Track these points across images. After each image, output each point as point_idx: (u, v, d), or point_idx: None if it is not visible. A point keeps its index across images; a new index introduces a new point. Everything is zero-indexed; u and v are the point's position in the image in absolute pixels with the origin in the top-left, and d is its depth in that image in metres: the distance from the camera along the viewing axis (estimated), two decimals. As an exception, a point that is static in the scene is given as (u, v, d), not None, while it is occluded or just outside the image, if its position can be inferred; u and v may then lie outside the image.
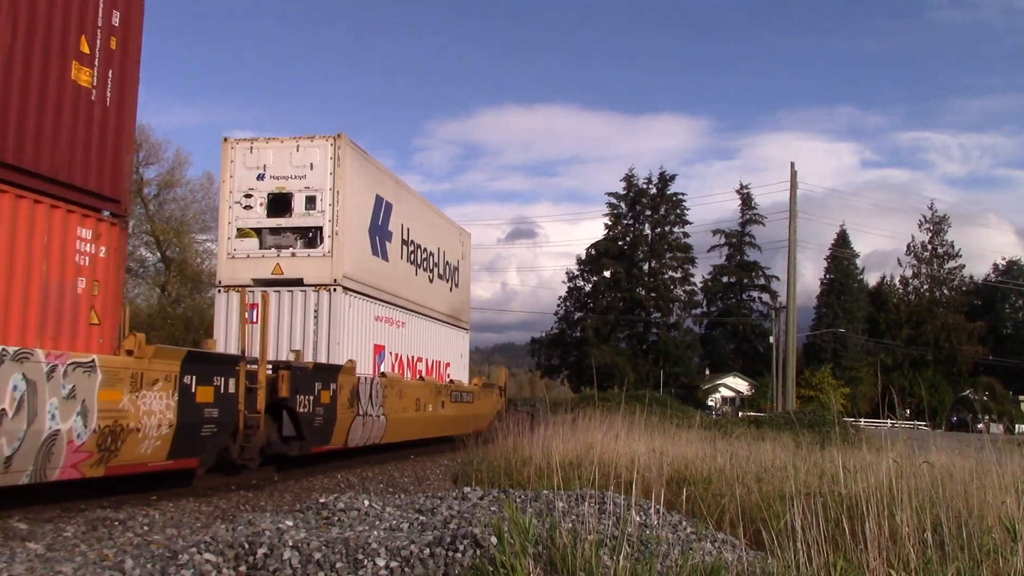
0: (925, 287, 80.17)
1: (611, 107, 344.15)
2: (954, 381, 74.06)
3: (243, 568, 5.53)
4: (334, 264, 15.46)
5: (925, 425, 43.08)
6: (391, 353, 18.30)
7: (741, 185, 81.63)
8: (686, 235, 72.30)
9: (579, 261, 73.54)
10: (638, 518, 6.44)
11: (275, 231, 15.81)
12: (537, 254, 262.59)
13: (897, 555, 5.22)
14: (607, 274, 71.20)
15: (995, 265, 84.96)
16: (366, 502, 7.67)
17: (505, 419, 25.94)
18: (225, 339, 15.25)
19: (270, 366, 12.63)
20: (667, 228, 71.93)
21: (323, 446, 13.85)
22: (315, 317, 15.40)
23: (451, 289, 23.55)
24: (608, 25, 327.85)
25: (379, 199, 17.62)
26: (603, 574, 4.82)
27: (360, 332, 16.53)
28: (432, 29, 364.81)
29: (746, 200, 76.85)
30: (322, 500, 7.77)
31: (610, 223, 72.38)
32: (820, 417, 27.48)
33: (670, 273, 71.78)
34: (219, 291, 15.75)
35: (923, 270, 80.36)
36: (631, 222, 72.71)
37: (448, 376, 22.46)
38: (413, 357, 19.84)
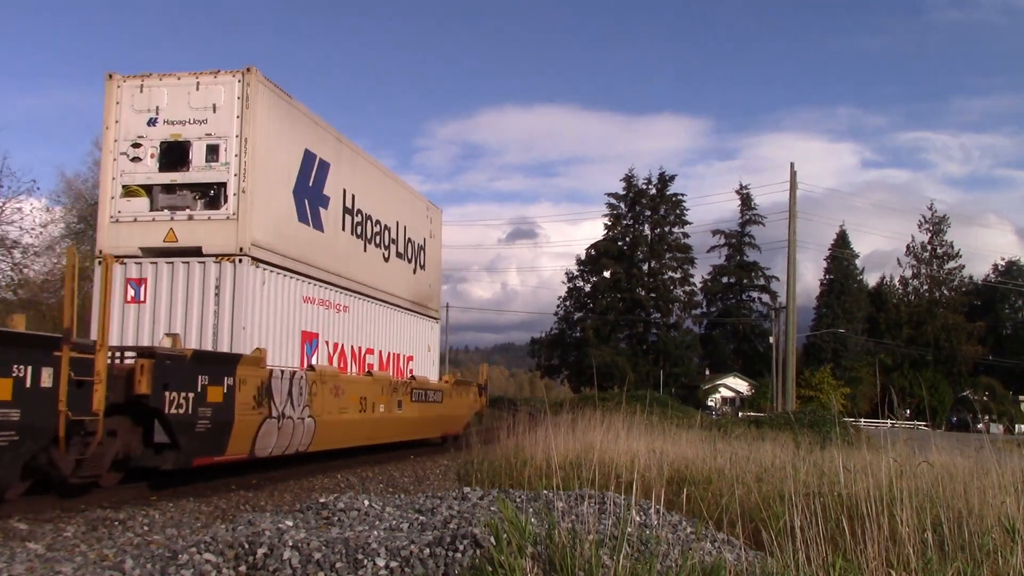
0: (925, 287, 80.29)
1: (611, 107, 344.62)
2: (954, 381, 74.17)
3: (243, 568, 5.53)
4: (240, 229, 12.69)
5: (925, 425, 43.08)
6: (327, 343, 15.41)
7: (741, 185, 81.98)
8: (686, 235, 72.48)
9: (579, 261, 73.71)
10: (638, 518, 6.45)
11: (169, 189, 13.03)
12: (537, 254, 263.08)
13: (897, 555, 5.22)
14: (607, 274, 71.27)
15: (995, 265, 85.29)
16: (366, 502, 7.67)
17: (486, 421, 24.26)
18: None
19: (131, 354, 10.25)
20: (667, 228, 72.01)
21: (214, 456, 11.08)
22: (216, 295, 12.65)
23: (415, 271, 20.46)
24: (608, 25, 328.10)
25: (310, 155, 14.76)
26: (603, 574, 4.81)
27: (279, 315, 13.74)
28: (432, 29, 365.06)
29: (746, 200, 77.03)
30: (322, 500, 7.77)
31: (610, 223, 72.49)
32: (820, 417, 27.51)
33: (670, 273, 71.88)
34: (99, 263, 12.25)
35: (923, 270, 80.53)
36: (631, 222, 72.79)
37: (410, 372, 19.63)
38: (360, 348, 16.88)
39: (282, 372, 12.62)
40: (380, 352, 17.97)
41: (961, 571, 5.04)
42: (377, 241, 17.93)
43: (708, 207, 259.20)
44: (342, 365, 15.89)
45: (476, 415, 23.76)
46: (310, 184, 14.85)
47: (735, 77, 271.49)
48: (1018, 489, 6.75)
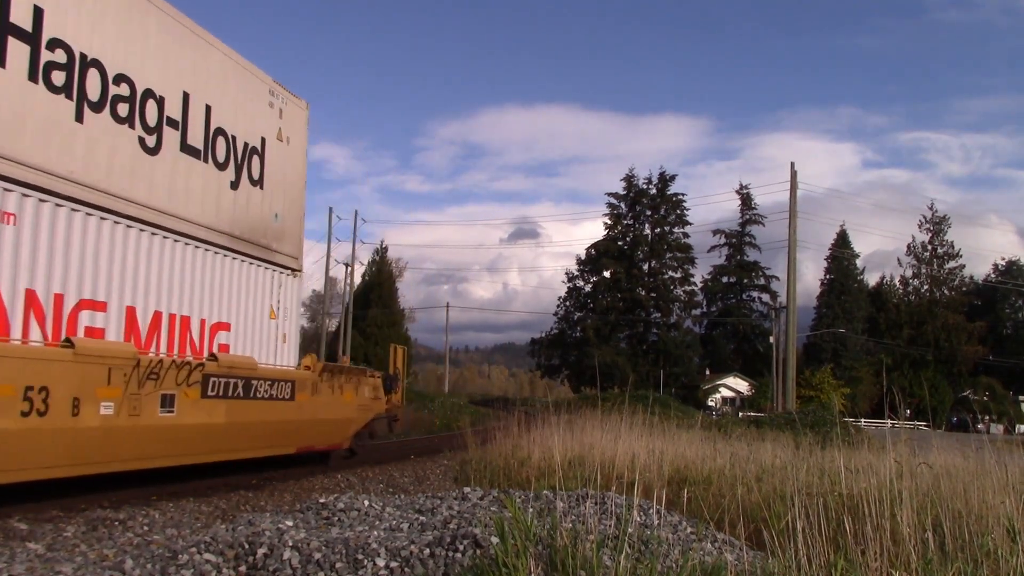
0: (925, 287, 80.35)
1: (612, 107, 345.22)
2: (954, 381, 74.23)
3: (243, 568, 5.52)
4: None
5: (925, 425, 43.09)
6: None
7: (741, 185, 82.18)
8: (686, 235, 72.67)
9: (579, 261, 73.89)
10: (639, 518, 6.45)
11: None
12: (538, 254, 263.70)
13: (898, 555, 5.22)
14: (607, 274, 71.42)
15: (995, 265, 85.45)
16: (366, 502, 7.67)
17: (399, 428, 17.06)
18: None
19: None
20: (667, 228, 72.14)
21: None
22: None
23: (237, 185, 12.91)
24: (609, 25, 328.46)
25: None
26: (604, 574, 4.81)
27: None
28: (433, 29, 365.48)
29: (746, 200, 77.18)
30: (322, 500, 7.76)
31: (610, 223, 72.61)
32: (820, 417, 27.53)
33: (670, 273, 72.04)
34: None
35: (923, 270, 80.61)
36: (631, 222, 72.93)
37: (217, 348, 12.13)
38: (62, 298, 9.37)
39: None
40: (134, 311, 10.55)
41: (962, 571, 5.04)
42: (124, 113, 10.61)
43: (709, 207, 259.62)
44: None
45: (382, 420, 16.64)
46: None
47: (736, 77, 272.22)
48: (1017, 489, 6.75)
